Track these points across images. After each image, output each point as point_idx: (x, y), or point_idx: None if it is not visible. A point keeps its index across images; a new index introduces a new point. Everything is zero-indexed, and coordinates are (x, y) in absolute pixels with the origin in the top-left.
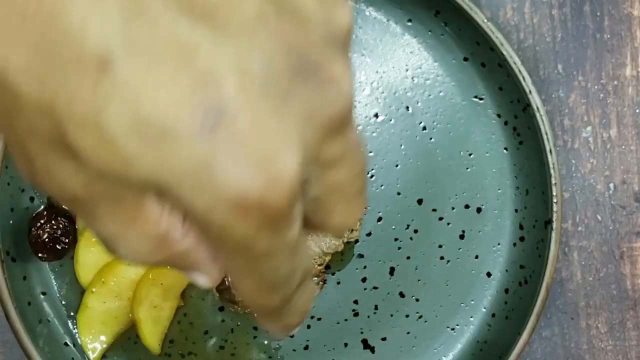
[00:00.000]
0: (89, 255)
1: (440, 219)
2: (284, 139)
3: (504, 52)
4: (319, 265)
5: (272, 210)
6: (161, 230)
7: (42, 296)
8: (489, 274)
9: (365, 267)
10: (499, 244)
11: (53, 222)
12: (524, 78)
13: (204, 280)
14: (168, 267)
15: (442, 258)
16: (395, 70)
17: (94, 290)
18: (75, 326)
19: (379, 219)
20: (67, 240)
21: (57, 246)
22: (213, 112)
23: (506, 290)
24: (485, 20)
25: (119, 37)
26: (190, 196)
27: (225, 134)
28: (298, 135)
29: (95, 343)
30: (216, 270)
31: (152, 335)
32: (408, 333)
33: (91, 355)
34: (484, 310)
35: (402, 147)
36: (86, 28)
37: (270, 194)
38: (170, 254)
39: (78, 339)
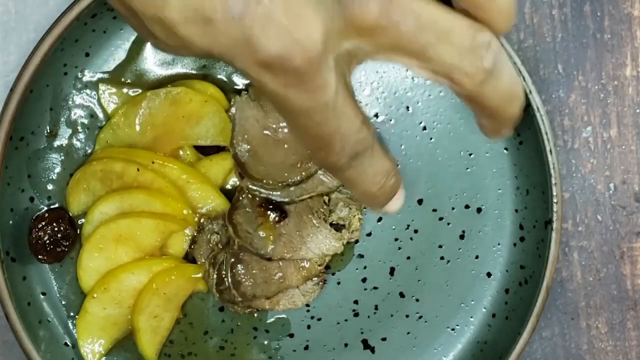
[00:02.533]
0: (93, 261)
1: (440, 219)
2: (310, 19)
3: None
4: (319, 265)
5: (294, 68)
6: None
7: (42, 296)
8: (489, 274)
9: (365, 267)
10: (499, 244)
11: (54, 224)
12: (524, 78)
13: None
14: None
15: (442, 258)
16: (395, 70)
17: (95, 295)
18: (75, 327)
19: (379, 219)
20: (67, 243)
21: (57, 249)
22: (240, 3)
23: (506, 291)
24: None
25: None
26: (234, 61)
27: (252, 18)
28: (325, 20)
29: (93, 348)
30: None
31: (149, 345)
32: (408, 333)
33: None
34: (484, 310)
35: (402, 147)
36: None
37: (290, 54)
38: None
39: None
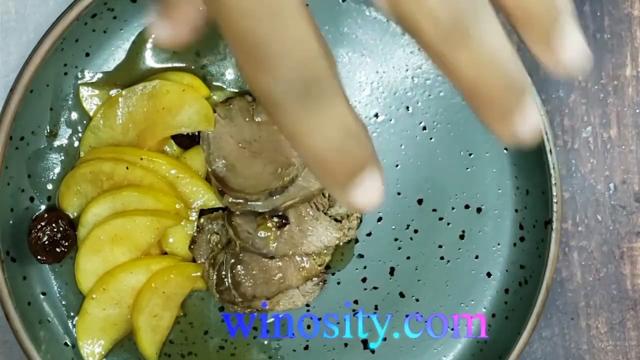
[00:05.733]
0: (90, 264)
1: (440, 219)
2: None
3: None
4: (319, 265)
5: None
6: None
7: (42, 296)
8: (489, 274)
9: (365, 267)
10: (499, 244)
11: (53, 224)
12: None
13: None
14: (171, 274)
15: (442, 258)
16: (395, 70)
17: (94, 296)
18: (75, 327)
19: (379, 219)
20: (66, 244)
21: (57, 249)
22: None
23: (506, 290)
24: None
25: None
26: None
27: None
28: None
29: (93, 349)
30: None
31: (149, 344)
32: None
33: None
34: (484, 310)
35: (402, 147)
36: None
37: None
38: None
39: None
